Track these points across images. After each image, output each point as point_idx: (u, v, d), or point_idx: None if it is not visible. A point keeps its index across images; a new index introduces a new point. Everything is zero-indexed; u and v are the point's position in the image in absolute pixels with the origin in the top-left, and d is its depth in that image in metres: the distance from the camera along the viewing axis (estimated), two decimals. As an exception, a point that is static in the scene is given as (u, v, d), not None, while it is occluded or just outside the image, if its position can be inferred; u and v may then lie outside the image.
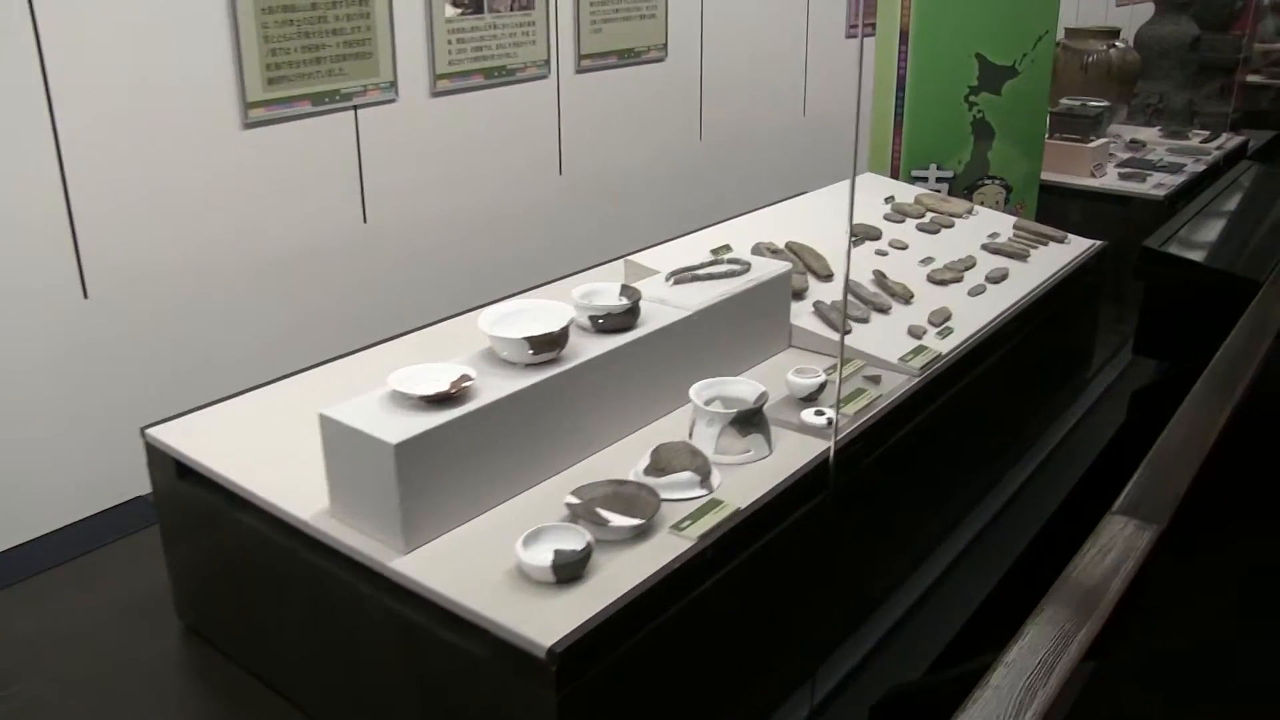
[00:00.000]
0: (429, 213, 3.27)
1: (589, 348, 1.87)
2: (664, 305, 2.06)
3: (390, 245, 3.13)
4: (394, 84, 3.04)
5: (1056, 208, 3.89)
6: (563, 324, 1.79)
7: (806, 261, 2.66)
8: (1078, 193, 3.92)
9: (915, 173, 3.60)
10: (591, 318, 1.91)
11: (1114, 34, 4.71)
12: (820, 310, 2.40)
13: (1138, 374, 3.16)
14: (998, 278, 2.72)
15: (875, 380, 2.15)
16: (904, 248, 2.88)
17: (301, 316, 2.92)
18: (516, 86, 3.42)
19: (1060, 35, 4.78)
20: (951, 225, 3.10)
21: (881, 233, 2.94)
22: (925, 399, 2.20)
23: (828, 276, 2.61)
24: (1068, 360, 3.10)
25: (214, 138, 2.66)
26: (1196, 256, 2.93)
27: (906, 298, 2.52)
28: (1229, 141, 4.68)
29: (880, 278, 2.62)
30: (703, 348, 2.08)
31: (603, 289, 1.99)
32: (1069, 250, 3.05)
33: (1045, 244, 3.05)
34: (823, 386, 2.04)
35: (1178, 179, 3.98)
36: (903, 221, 3.08)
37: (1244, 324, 2.21)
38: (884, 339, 2.33)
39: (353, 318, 2.96)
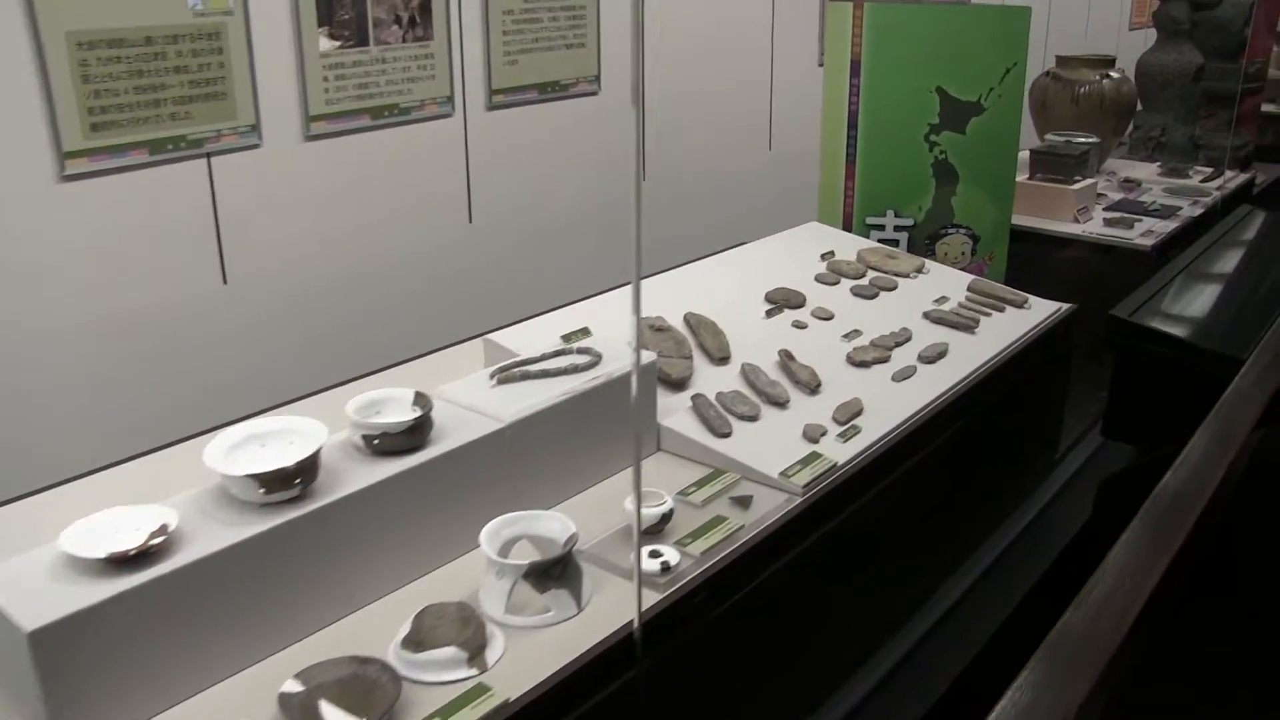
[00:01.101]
0: (307, 270, 2.90)
1: (355, 477, 1.48)
2: (471, 415, 1.67)
3: (254, 309, 2.77)
4: (255, 128, 2.68)
5: (1033, 258, 3.47)
6: (308, 452, 1.41)
7: (701, 339, 2.26)
8: (1057, 241, 3.50)
9: (870, 220, 3.20)
10: (365, 437, 1.53)
11: (1108, 63, 4.28)
12: (698, 407, 2.00)
13: (1112, 457, 2.74)
14: (932, 356, 2.31)
15: (745, 503, 1.75)
16: (828, 318, 2.47)
17: (135, 395, 2.55)
18: (414, 127, 3.06)
19: (1050, 64, 4.36)
20: (894, 287, 2.69)
21: (805, 299, 2.54)
22: (811, 522, 1.79)
23: (722, 359, 2.21)
24: (1026, 445, 2.69)
25: (21, 195, 2.31)
26: (1171, 327, 2.51)
27: (812, 386, 2.12)
28: (1232, 180, 4.23)
29: (786, 360, 2.21)
30: (524, 468, 1.69)
31: (390, 397, 1.61)
32: (1029, 317, 2.63)
33: (1001, 309, 2.63)
34: (668, 516, 1.64)
35: (1169, 225, 3.54)
36: (836, 283, 2.68)
37: (1202, 434, 1.79)
38: (771, 444, 1.93)
39: (193, 398, 2.59)
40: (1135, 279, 3.13)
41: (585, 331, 2.09)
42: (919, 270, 2.80)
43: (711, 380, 2.14)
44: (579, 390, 1.80)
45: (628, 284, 2.73)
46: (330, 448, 1.50)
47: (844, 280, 2.70)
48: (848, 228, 3.20)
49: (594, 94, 3.54)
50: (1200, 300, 2.73)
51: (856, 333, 2.41)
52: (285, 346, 2.84)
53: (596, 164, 3.59)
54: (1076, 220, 3.56)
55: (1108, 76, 4.19)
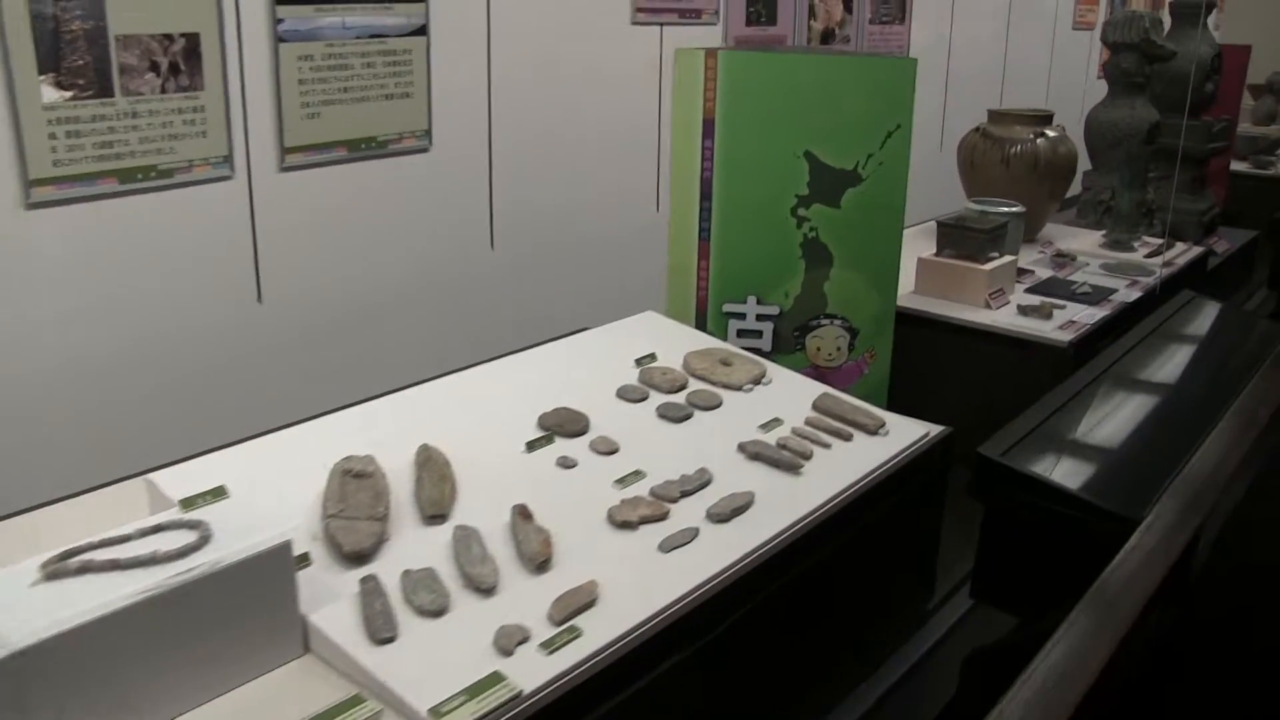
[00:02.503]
0: (39, 363, 2.40)
1: None
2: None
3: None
4: (-52, 195, 2.19)
5: (926, 354, 2.96)
6: None
7: (420, 486, 1.75)
8: (961, 332, 2.98)
9: (729, 308, 2.69)
10: None
11: (1045, 119, 3.78)
12: (365, 596, 1.48)
13: (986, 623, 2.20)
14: (724, 513, 1.78)
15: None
16: (609, 452, 1.96)
17: None
18: (178, 192, 2.56)
19: (983, 119, 3.86)
20: (717, 405, 2.18)
21: (588, 425, 2.02)
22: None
23: (435, 518, 1.69)
24: (872, 611, 2.15)
25: None
26: (1051, 471, 1.98)
27: (537, 563, 1.60)
28: (1182, 255, 3.71)
29: (519, 520, 1.69)
30: (66, 703, 1.18)
31: None
32: (886, 445, 2.11)
33: (848, 437, 2.11)
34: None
35: (1097, 314, 3.02)
36: (643, 399, 2.16)
37: (1080, 614, 1.32)
38: (441, 657, 1.40)
39: None
40: (1050, 380, 2.62)
41: (220, 492, 1.57)
42: (757, 381, 2.28)
43: (411, 548, 1.62)
44: (154, 591, 1.28)
45: (432, 379, 2.23)
46: None
47: (654, 395, 2.18)
48: (703, 316, 2.69)
49: (424, 150, 3.04)
50: (1097, 434, 2.20)
51: (638, 475, 1.88)
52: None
53: (426, 231, 3.09)
54: (989, 306, 3.04)
55: (1043, 135, 3.69)
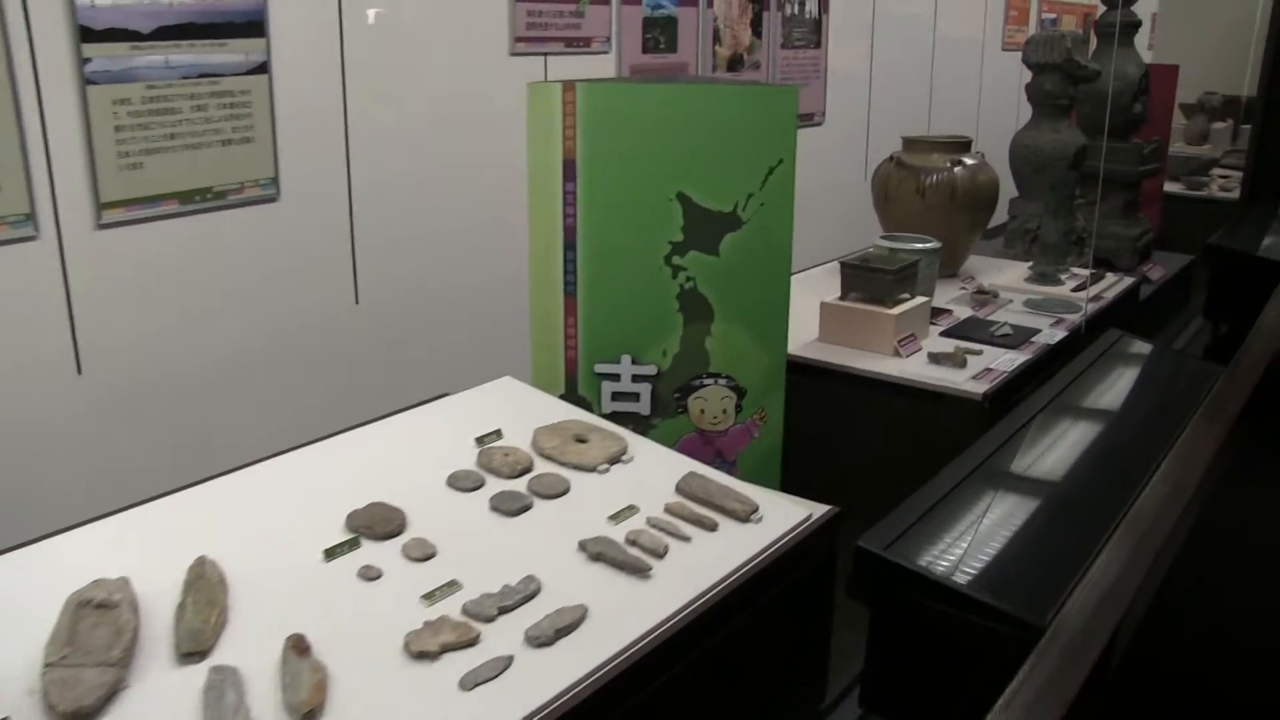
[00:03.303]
0: None
1: None
2: None
3: None
4: None
5: (830, 409, 2.69)
6: None
7: (185, 615, 1.44)
8: (864, 385, 2.71)
9: (600, 369, 2.41)
10: None
11: (963, 146, 3.55)
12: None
13: (882, 732, 1.91)
14: (547, 636, 1.49)
15: None
16: (424, 558, 1.66)
17: None
18: (-29, 255, 2.26)
19: (898, 147, 3.63)
20: (563, 492, 1.89)
21: (404, 523, 1.73)
22: None
23: (192, 655, 1.39)
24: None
25: None
26: (942, 565, 1.70)
27: (302, 713, 1.30)
28: (1113, 288, 3.48)
29: (295, 654, 1.39)
30: None
31: None
32: (755, 536, 1.82)
33: (712, 527, 1.82)
34: None
35: (1017, 359, 2.76)
36: (478, 487, 1.87)
37: None
38: None
39: None
40: (964, 437, 2.35)
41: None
42: (615, 459, 2.00)
43: (152, 701, 1.32)
44: None
45: (233, 471, 1.92)
46: None
47: (492, 481, 1.89)
48: (572, 378, 2.41)
49: (270, 200, 2.74)
50: (1000, 518, 1.93)
51: (451, 588, 1.59)
52: None
53: (277, 290, 2.79)
54: (898, 354, 2.78)
55: (960, 162, 3.45)
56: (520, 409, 2.17)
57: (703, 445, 2.47)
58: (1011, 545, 1.78)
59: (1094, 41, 4.33)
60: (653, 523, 1.82)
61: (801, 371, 2.77)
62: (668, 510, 1.87)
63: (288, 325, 2.83)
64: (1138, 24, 4.29)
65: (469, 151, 3.17)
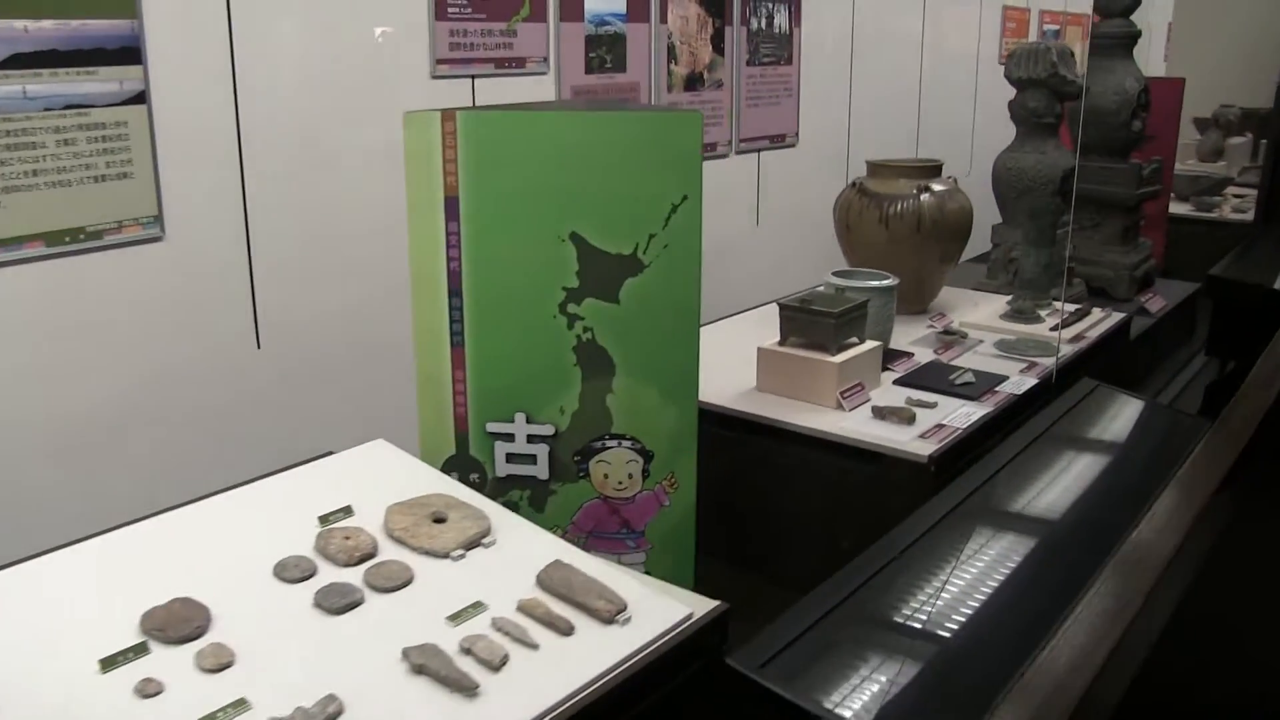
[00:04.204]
0: None
1: None
2: None
3: None
4: None
5: (762, 470, 2.43)
6: None
7: None
8: (799, 443, 2.43)
9: (493, 428, 2.15)
10: None
11: (932, 171, 3.26)
12: None
13: None
14: (314, 788, 1.23)
15: None
16: (221, 668, 1.41)
17: None
18: None
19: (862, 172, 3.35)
20: (404, 584, 1.63)
21: (206, 623, 1.48)
22: None
23: None
24: None
25: None
26: (830, 692, 1.42)
27: None
28: (1097, 325, 3.17)
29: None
30: None
31: None
32: (617, 642, 1.56)
33: (567, 630, 1.56)
34: None
35: (974, 414, 2.48)
36: (308, 577, 1.62)
37: None
38: None
39: None
40: (906, 505, 2.08)
41: None
42: (474, 543, 1.74)
43: None
44: None
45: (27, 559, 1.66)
46: None
47: (325, 569, 1.64)
48: (463, 437, 2.15)
49: (155, 240, 2.52)
50: (911, 630, 1.64)
51: (239, 708, 1.34)
52: None
53: (165, 336, 2.56)
54: (841, 406, 2.50)
55: (928, 189, 3.17)
56: (384, 479, 1.93)
57: (608, 514, 2.21)
58: (925, 675, 1.50)
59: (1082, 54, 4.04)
60: (498, 624, 1.56)
61: (732, 425, 2.51)
62: (520, 608, 1.61)
63: (178, 374, 2.60)
64: (1136, 35, 3.99)
65: (383, 183, 2.92)
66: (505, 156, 2.05)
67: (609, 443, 2.16)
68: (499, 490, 2.17)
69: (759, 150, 4.06)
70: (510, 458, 2.17)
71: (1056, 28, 5.87)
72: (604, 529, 2.22)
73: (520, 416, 2.15)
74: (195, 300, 2.61)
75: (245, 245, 2.68)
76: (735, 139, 3.98)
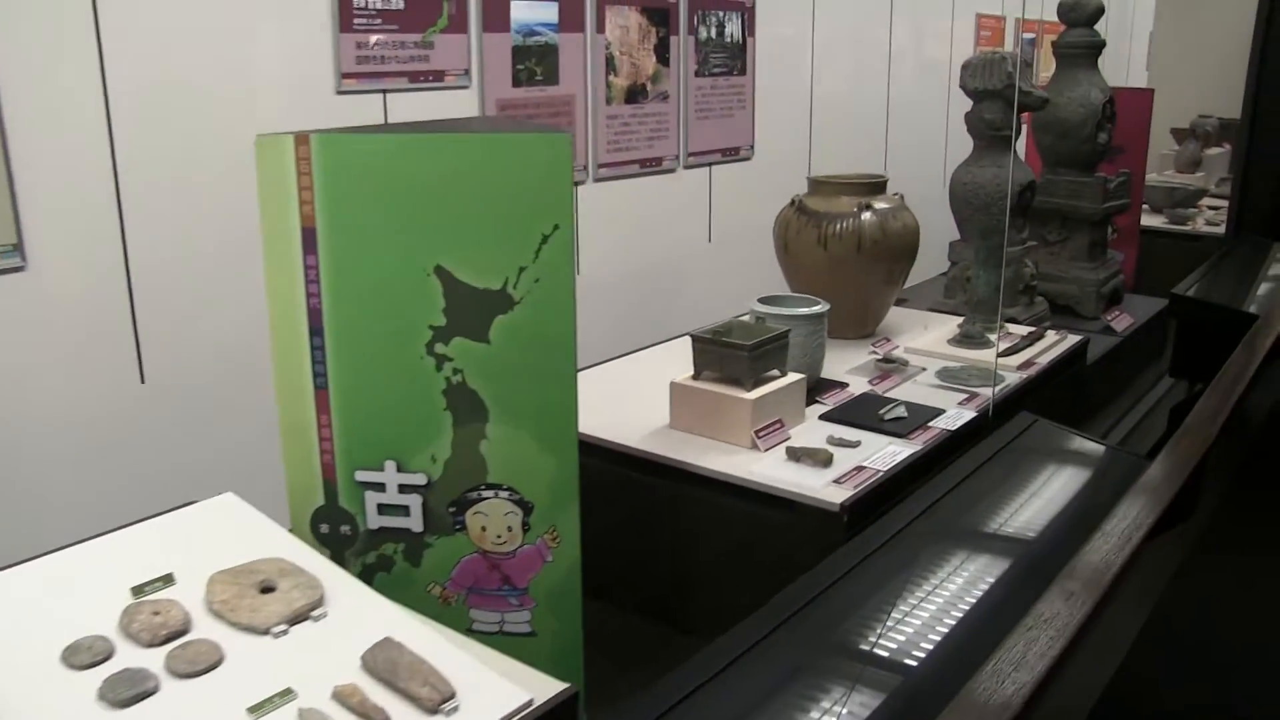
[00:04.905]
0: None
1: None
2: None
3: None
4: None
5: (669, 515, 2.25)
6: None
7: None
8: (705, 486, 2.25)
9: (362, 477, 1.98)
10: None
11: (875, 188, 3.08)
12: None
13: None
14: None
15: None
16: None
17: None
18: None
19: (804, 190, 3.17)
20: (211, 666, 1.46)
21: (-67, 736, 1.30)
22: None
23: None
24: None
25: None
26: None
27: None
28: (1049, 350, 2.97)
29: None
30: None
31: None
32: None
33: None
34: None
35: (898, 455, 2.29)
36: (102, 661, 1.45)
37: None
38: None
39: None
40: (815, 556, 1.90)
41: None
42: (300, 617, 1.56)
43: None
44: None
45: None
46: None
47: (124, 651, 1.47)
48: (331, 486, 1.98)
49: (17, 270, 2.35)
50: (793, 710, 1.45)
51: None
52: None
53: (23, 373, 2.39)
54: (755, 446, 2.32)
55: (870, 207, 2.99)
56: (222, 540, 1.75)
57: (488, 570, 2.03)
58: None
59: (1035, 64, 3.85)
60: (304, 718, 1.38)
61: (639, 466, 2.33)
62: (335, 696, 1.43)
63: (51, 414, 2.43)
64: (1101, 45, 3.80)
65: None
66: (364, 183, 1.88)
67: (485, 493, 1.98)
68: (371, 543, 2.00)
69: (710, 164, 3.88)
70: (382, 509, 2.00)
71: (1033, 35, 5.67)
72: (484, 585, 2.04)
73: (390, 465, 1.97)
74: (66, 332, 2.44)
75: (125, 272, 2.51)
76: (683, 153, 3.80)
